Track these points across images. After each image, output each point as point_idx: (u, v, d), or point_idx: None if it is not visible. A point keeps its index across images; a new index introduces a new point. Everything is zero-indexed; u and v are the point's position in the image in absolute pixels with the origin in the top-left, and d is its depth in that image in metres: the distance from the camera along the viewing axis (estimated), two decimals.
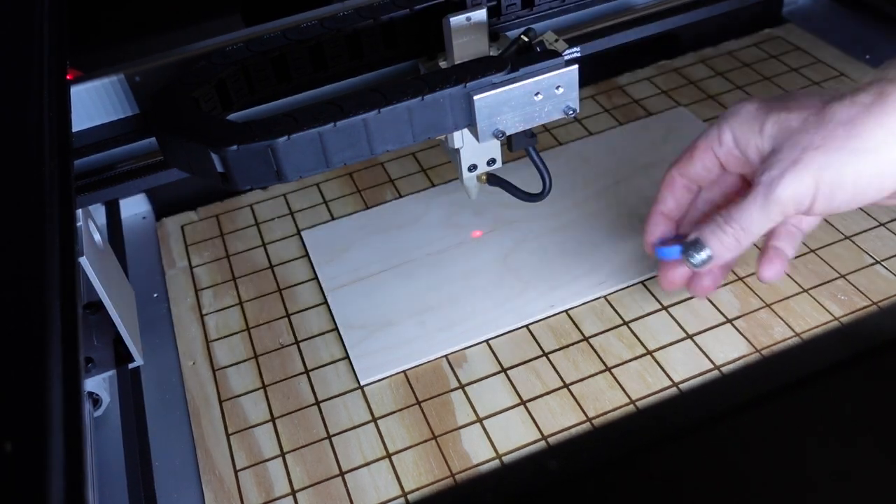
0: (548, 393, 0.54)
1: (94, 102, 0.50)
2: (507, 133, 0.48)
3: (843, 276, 0.58)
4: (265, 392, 0.57)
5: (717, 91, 0.77)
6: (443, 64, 0.54)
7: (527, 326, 0.58)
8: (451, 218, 0.67)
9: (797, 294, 0.58)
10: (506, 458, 0.51)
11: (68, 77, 0.44)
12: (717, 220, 0.48)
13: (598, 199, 0.67)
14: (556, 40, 0.51)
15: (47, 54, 0.39)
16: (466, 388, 0.55)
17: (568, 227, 0.65)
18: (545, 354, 0.57)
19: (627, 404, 0.53)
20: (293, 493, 0.51)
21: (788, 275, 0.59)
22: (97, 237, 0.56)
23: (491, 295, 0.61)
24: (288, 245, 0.69)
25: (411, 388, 0.56)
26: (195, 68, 0.50)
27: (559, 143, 0.74)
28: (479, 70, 0.46)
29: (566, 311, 0.59)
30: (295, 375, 0.58)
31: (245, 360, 0.59)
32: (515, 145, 0.52)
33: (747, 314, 0.57)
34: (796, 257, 0.60)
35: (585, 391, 0.54)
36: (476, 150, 0.56)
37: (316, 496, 0.51)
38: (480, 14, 0.50)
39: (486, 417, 0.53)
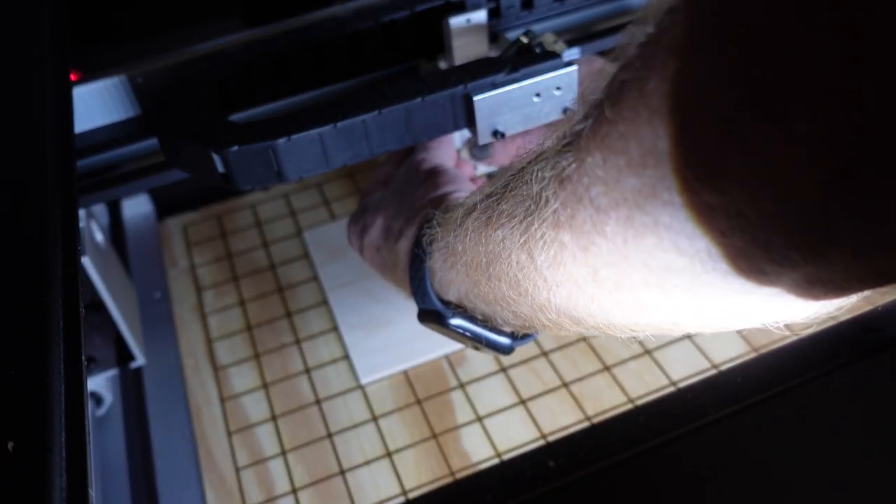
0: (547, 392, 0.54)
1: (96, 103, 0.50)
2: (507, 134, 0.48)
3: None
4: (266, 391, 0.57)
5: None
6: (443, 65, 0.54)
7: None
8: None
9: None
10: (505, 457, 0.51)
11: (71, 78, 0.44)
12: None
13: None
14: (556, 41, 0.51)
15: (49, 56, 0.39)
16: (466, 388, 0.55)
17: None
18: (545, 354, 0.57)
19: (626, 403, 0.53)
20: (294, 491, 0.51)
21: None
22: (99, 237, 0.56)
23: None
24: (289, 245, 0.69)
25: (411, 387, 0.56)
26: (197, 69, 0.50)
27: None
28: (479, 71, 0.46)
29: None
30: (296, 375, 0.58)
31: (246, 360, 0.60)
32: None
33: None
34: None
35: (585, 390, 0.54)
36: None
37: (317, 495, 0.51)
38: (480, 16, 0.51)
39: (486, 416, 0.53)
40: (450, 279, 0.37)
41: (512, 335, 0.39)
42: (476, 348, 0.41)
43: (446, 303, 0.39)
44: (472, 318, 0.38)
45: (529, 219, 0.28)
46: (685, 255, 0.23)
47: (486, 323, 0.38)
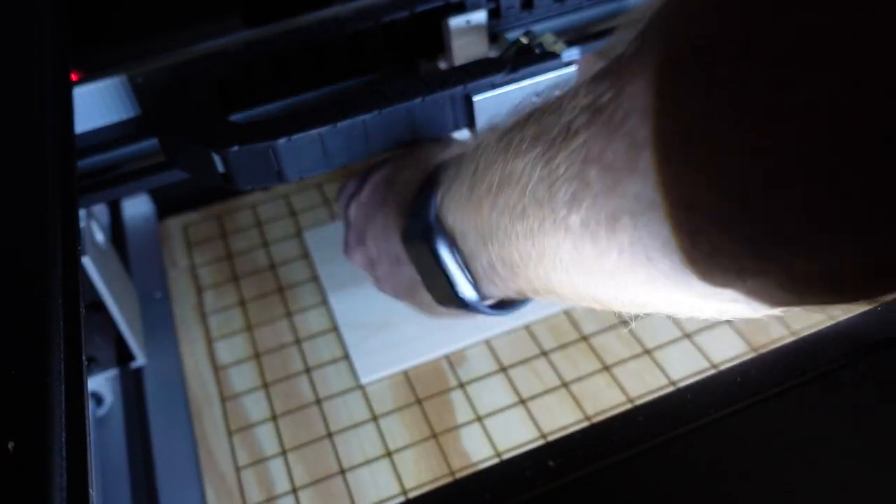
0: (547, 392, 0.54)
1: (96, 103, 0.50)
2: None
3: None
4: (266, 391, 0.57)
5: None
6: (443, 65, 0.54)
7: (526, 326, 0.59)
8: None
9: None
10: (505, 457, 0.51)
11: (71, 78, 0.44)
12: None
13: None
14: (556, 42, 0.51)
15: (49, 56, 0.39)
16: (466, 387, 0.55)
17: None
18: (544, 354, 0.57)
19: (626, 403, 0.53)
20: (294, 491, 0.51)
21: None
22: (100, 237, 0.56)
23: None
24: (289, 245, 0.69)
25: (411, 387, 0.56)
26: (197, 69, 0.50)
27: None
28: (479, 71, 0.46)
29: (565, 310, 0.59)
30: (296, 374, 0.58)
31: (246, 360, 0.60)
32: None
33: None
34: None
35: (584, 390, 0.54)
36: None
37: (317, 494, 0.51)
38: (480, 16, 0.51)
39: (486, 416, 0.54)
40: (450, 204, 0.35)
41: (479, 294, 0.37)
42: (432, 292, 0.38)
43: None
44: (453, 252, 0.36)
45: (553, 150, 0.25)
46: None
47: (464, 265, 0.36)
